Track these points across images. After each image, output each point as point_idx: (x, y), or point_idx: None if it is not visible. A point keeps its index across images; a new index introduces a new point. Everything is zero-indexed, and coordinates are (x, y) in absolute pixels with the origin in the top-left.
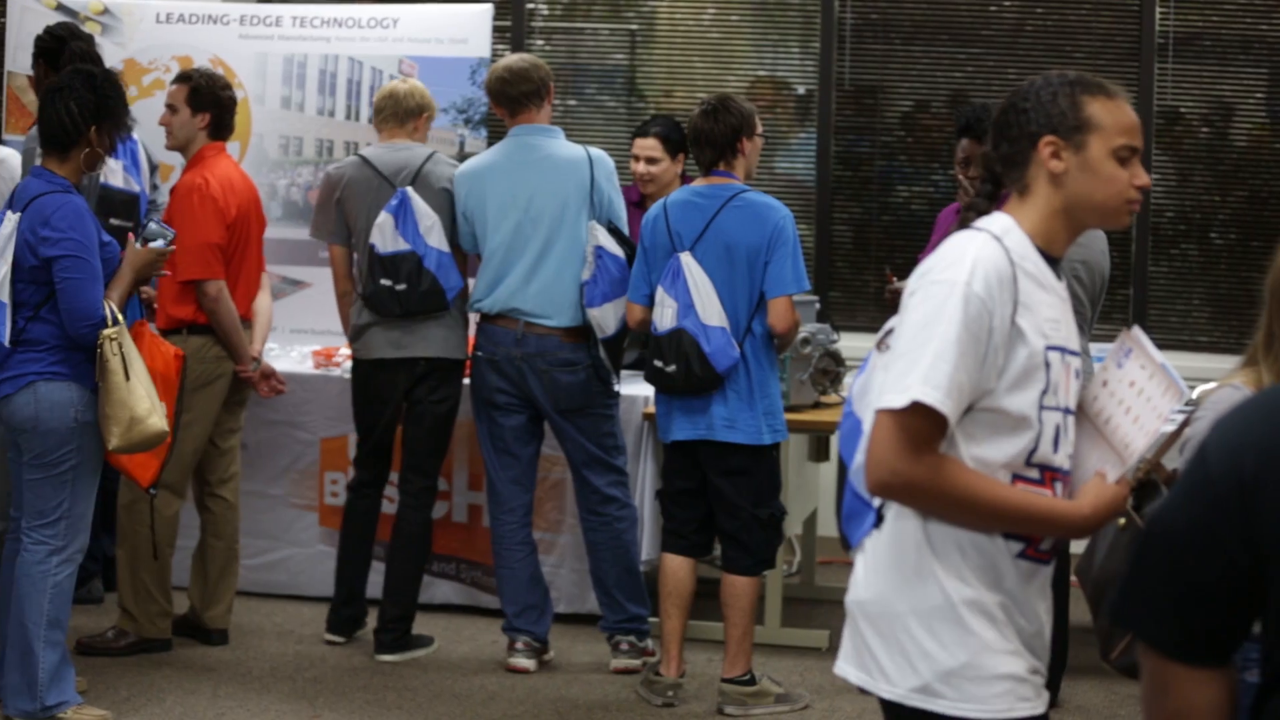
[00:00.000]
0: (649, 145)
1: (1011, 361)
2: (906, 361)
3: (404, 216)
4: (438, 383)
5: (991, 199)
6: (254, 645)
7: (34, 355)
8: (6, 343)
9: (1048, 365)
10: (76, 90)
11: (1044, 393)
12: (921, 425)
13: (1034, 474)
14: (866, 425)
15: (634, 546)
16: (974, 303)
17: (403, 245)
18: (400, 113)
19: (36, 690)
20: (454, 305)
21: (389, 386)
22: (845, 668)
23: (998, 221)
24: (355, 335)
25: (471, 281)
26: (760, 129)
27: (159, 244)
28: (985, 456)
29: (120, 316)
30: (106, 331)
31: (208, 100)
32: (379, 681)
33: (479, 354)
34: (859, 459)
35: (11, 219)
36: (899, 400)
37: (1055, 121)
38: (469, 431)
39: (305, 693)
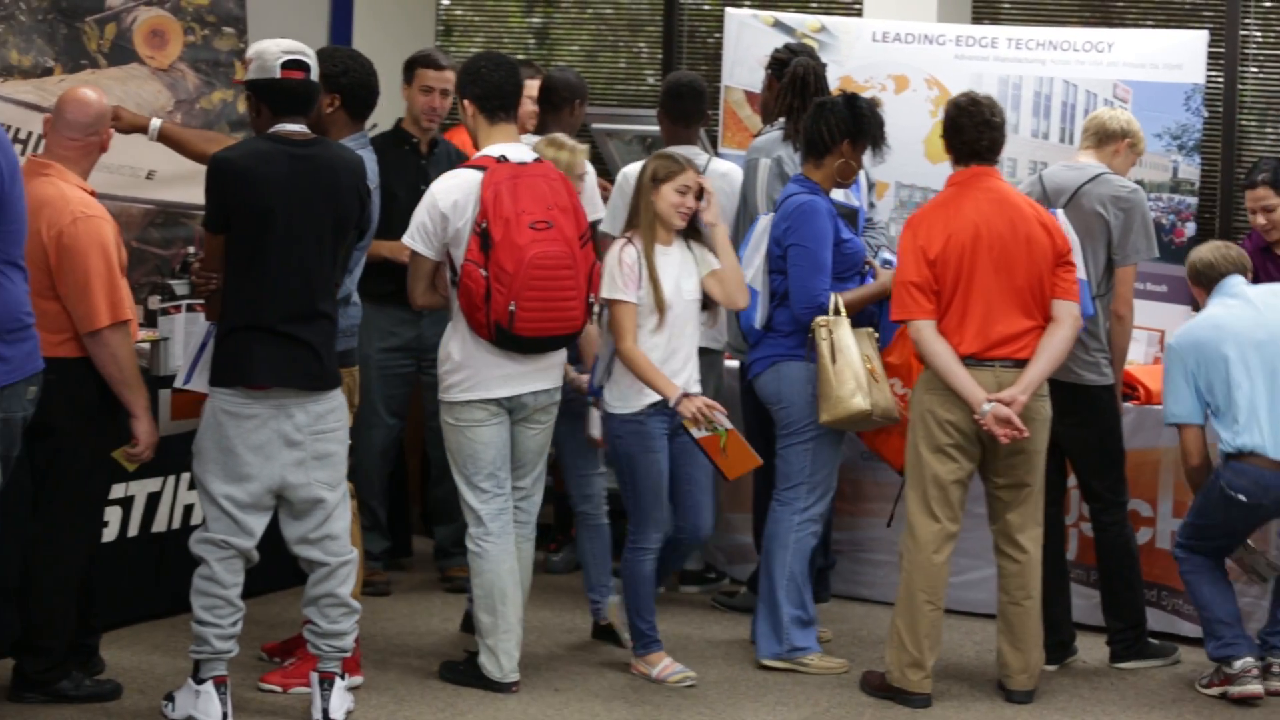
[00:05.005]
0: (1260, 196)
1: None
2: None
3: None
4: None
5: None
6: (940, 660)
7: (777, 339)
8: (759, 326)
9: None
10: (837, 108)
11: None
12: None
13: None
14: None
15: None
16: None
17: None
18: (1102, 135)
19: (781, 634)
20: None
21: None
22: None
23: None
24: None
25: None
26: None
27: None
28: None
29: (842, 309)
30: (819, 319)
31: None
32: (1076, 705)
33: None
34: None
35: (765, 220)
36: None
37: None
38: (1173, 458)
39: (999, 706)
